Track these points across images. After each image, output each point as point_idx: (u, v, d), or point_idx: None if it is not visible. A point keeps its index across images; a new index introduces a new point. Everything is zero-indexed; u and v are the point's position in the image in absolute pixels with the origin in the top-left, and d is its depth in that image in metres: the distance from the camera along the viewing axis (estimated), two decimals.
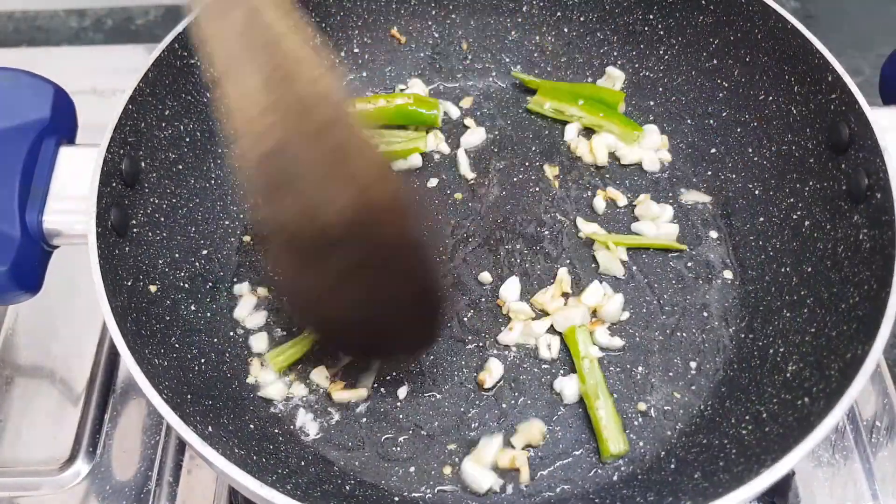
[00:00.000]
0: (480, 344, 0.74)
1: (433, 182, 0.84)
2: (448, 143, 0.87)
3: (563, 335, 0.74)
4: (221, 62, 0.58)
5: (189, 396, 0.64)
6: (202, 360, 0.70)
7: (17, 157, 0.65)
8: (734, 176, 0.81)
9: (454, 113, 0.89)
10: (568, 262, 0.79)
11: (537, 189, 0.83)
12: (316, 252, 0.60)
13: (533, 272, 0.78)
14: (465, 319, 0.75)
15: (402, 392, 0.72)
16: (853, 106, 0.67)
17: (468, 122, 0.88)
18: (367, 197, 0.59)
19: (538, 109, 0.88)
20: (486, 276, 0.78)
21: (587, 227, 0.80)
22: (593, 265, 0.78)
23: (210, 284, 0.76)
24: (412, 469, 0.68)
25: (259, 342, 0.75)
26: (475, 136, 0.87)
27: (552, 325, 0.74)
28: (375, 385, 0.72)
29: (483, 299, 0.77)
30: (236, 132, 0.59)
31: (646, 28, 0.85)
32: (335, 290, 0.63)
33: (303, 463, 0.67)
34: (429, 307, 0.66)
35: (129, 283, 0.66)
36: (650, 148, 0.84)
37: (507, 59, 0.91)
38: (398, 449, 0.69)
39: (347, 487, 0.67)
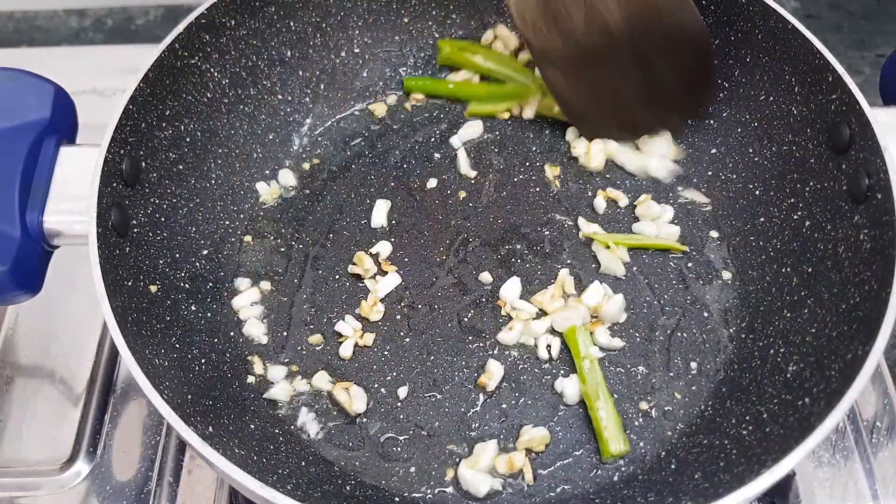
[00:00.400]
0: (481, 344, 0.74)
1: (433, 182, 0.84)
2: (453, 139, 0.87)
3: (563, 335, 0.74)
4: None
5: (189, 396, 0.64)
6: (202, 360, 0.70)
7: (18, 157, 0.65)
8: (734, 176, 0.81)
9: (454, 112, 0.89)
10: (568, 262, 0.78)
11: (538, 189, 0.83)
12: (596, 59, 0.75)
13: (534, 272, 0.78)
14: (466, 319, 0.75)
15: (403, 392, 0.72)
16: (854, 106, 0.67)
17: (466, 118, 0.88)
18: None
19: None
20: (486, 277, 0.78)
21: (588, 227, 0.80)
22: (594, 265, 0.78)
23: (210, 284, 0.76)
24: (413, 469, 0.68)
25: (254, 328, 0.75)
26: (473, 129, 0.87)
27: (552, 326, 0.74)
28: (376, 385, 0.72)
29: (483, 299, 0.77)
30: None
31: None
32: (617, 86, 0.78)
33: (303, 463, 0.67)
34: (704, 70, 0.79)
35: (130, 283, 0.66)
36: (657, 155, 0.84)
37: None
38: (398, 449, 0.69)
39: (348, 488, 0.67)
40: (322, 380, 0.72)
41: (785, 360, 0.68)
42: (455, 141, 0.86)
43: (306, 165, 0.86)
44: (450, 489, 0.67)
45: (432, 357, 0.74)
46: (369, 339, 0.74)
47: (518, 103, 0.88)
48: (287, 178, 0.84)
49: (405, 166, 0.85)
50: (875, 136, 0.65)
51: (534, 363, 0.73)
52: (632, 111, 0.81)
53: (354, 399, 0.71)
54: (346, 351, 0.74)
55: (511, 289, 0.76)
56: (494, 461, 0.68)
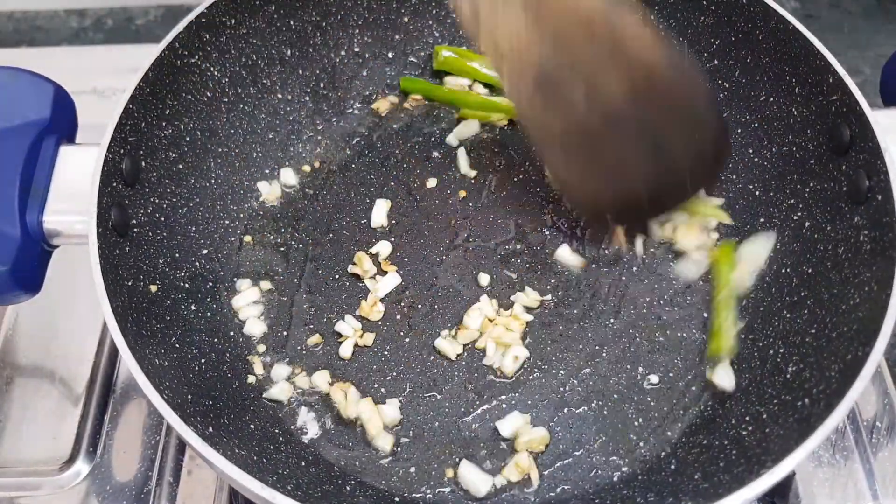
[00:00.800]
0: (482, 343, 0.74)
1: (433, 182, 0.84)
2: (449, 137, 0.87)
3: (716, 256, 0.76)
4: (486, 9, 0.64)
5: (189, 396, 0.64)
6: (202, 360, 0.70)
7: (18, 157, 0.65)
8: (734, 176, 0.81)
9: (454, 112, 0.89)
10: None
11: (538, 189, 0.83)
12: (604, 140, 0.67)
13: (533, 272, 0.78)
14: (465, 319, 0.75)
15: (403, 392, 0.72)
16: (854, 107, 0.67)
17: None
18: (645, 74, 0.64)
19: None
20: (484, 278, 0.78)
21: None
22: (594, 265, 0.78)
23: (210, 284, 0.76)
24: (412, 469, 0.68)
25: (254, 328, 0.75)
26: (469, 127, 0.87)
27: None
28: (376, 385, 0.72)
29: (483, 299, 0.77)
30: (504, 66, 0.66)
31: None
32: (622, 162, 0.70)
33: (303, 463, 0.67)
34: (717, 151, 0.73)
35: (130, 283, 0.66)
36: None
37: None
38: (398, 449, 0.69)
39: (348, 488, 0.67)
40: (322, 380, 0.72)
41: (785, 361, 0.68)
42: (452, 139, 0.86)
43: (306, 165, 0.86)
44: (449, 489, 0.67)
45: (432, 357, 0.74)
46: (369, 338, 0.74)
47: (510, 116, 0.87)
48: (288, 177, 0.84)
49: (405, 166, 0.85)
50: (875, 138, 0.65)
51: (534, 363, 0.73)
52: (639, 192, 0.72)
53: (350, 402, 0.71)
54: (345, 351, 0.74)
55: (473, 317, 0.75)
56: (502, 469, 0.68)
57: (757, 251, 0.76)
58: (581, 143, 0.69)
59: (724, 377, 0.71)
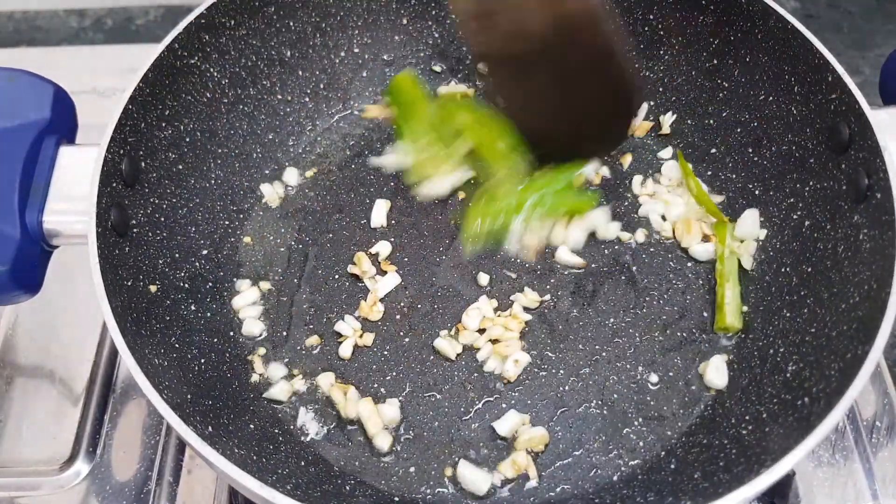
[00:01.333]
0: (480, 344, 0.74)
1: None
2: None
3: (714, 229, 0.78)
4: None
5: (189, 396, 0.64)
6: (202, 360, 0.70)
7: (17, 157, 0.65)
8: (734, 176, 0.81)
9: None
10: None
11: None
12: (525, 67, 0.71)
13: (534, 272, 0.78)
14: (465, 319, 0.75)
15: (403, 392, 0.72)
16: (853, 106, 0.67)
17: None
18: (563, 11, 0.66)
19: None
20: (483, 278, 0.78)
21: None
22: (594, 265, 0.78)
23: (210, 284, 0.76)
24: (412, 469, 0.68)
25: (254, 328, 0.75)
26: (391, 158, 0.86)
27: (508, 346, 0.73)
28: (375, 385, 0.72)
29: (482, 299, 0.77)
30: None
31: (646, 28, 0.85)
32: (543, 98, 0.73)
33: (303, 463, 0.67)
34: (624, 105, 0.74)
35: (129, 283, 0.66)
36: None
37: None
38: (398, 449, 0.69)
39: (347, 487, 0.67)
40: (322, 380, 0.72)
41: (784, 360, 0.68)
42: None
43: (306, 166, 0.86)
44: (449, 489, 0.67)
45: (432, 357, 0.74)
46: (369, 339, 0.74)
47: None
48: (288, 177, 0.84)
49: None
50: (875, 136, 0.65)
51: (534, 363, 0.73)
52: (560, 128, 0.76)
53: (350, 402, 0.71)
54: (345, 351, 0.74)
55: (472, 316, 0.75)
56: (499, 465, 0.68)
57: (748, 225, 0.77)
58: (511, 66, 0.73)
59: (715, 375, 0.71)
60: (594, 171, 0.84)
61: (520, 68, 0.72)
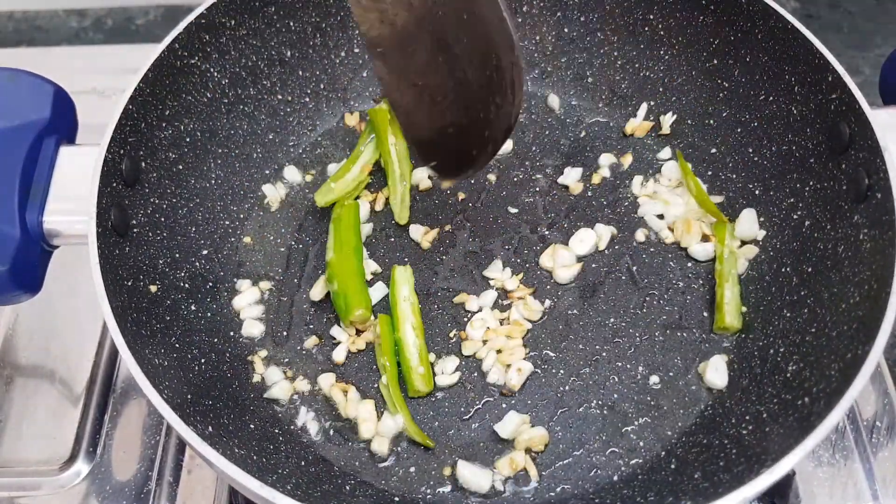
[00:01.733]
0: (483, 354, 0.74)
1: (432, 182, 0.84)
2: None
3: (713, 228, 0.77)
4: None
5: (189, 396, 0.64)
6: (202, 360, 0.70)
7: (17, 157, 0.65)
8: (734, 176, 0.81)
9: None
10: None
11: (538, 188, 0.83)
12: (407, 43, 0.65)
13: (533, 272, 0.78)
14: (465, 320, 0.75)
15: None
16: (853, 106, 0.67)
17: None
18: None
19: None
20: (484, 278, 0.77)
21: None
22: (594, 265, 0.78)
23: (210, 284, 0.76)
24: (412, 469, 0.68)
25: (254, 328, 0.75)
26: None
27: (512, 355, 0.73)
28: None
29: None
30: None
31: (646, 28, 0.85)
32: (427, 84, 0.66)
33: (303, 463, 0.67)
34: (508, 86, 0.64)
35: (130, 283, 0.66)
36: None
37: None
38: (398, 449, 0.69)
39: (347, 487, 0.67)
40: (322, 380, 0.72)
41: (785, 360, 0.68)
42: None
43: (306, 166, 0.86)
44: (449, 488, 0.67)
45: (432, 357, 0.74)
46: (362, 343, 0.74)
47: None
48: (288, 178, 0.84)
49: None
50: (875, 136, 0.65)
51: (534, 363, 0.73)
52: (445, 120, 0.67)
53: (350, 402, 0.71)
54: (339, 356, 0.74)
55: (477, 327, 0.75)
56: (497, 463, 0.68)
57: (746, 224, 0.77)
58: (395, 47, 0.66)
59: (715, 375, 0.71)
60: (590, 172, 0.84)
61: (404, 48, 0.65)
